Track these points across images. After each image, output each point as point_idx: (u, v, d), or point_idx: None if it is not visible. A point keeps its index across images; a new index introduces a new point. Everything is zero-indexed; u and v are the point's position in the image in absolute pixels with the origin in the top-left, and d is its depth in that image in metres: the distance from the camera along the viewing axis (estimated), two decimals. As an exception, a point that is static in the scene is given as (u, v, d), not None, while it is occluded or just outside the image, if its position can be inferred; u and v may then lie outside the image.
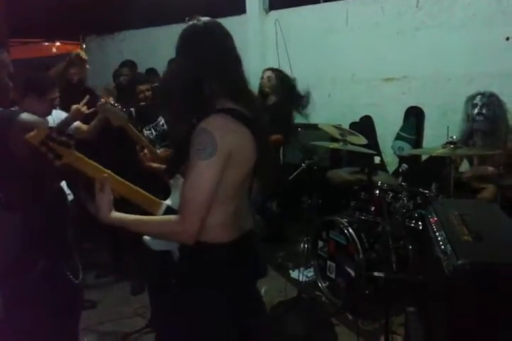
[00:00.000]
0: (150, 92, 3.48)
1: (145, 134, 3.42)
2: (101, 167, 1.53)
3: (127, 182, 1.56)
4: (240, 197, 1.57)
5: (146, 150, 2.28)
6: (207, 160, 1.38)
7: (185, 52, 1.52)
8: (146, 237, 1.76)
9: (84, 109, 2.87)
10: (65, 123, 2.94)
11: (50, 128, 1.50)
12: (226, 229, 1.51)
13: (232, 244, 1.53)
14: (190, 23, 1.54)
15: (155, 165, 2.25)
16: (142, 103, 3.46)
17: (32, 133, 1.43)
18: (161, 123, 3.45)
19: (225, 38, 1.55)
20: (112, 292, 3.62)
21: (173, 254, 1.67)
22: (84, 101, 2.93)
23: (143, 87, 3.48)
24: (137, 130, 3.44)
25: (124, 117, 2.43)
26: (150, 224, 1.49)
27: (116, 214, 1.50)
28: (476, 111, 3.14)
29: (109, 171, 1.54)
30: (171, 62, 4.84)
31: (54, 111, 3.04)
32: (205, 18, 1.55)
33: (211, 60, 1.49)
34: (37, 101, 2.70)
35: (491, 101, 3.10)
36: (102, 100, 2.44)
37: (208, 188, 1.40)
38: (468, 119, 3.21)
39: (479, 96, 3.13)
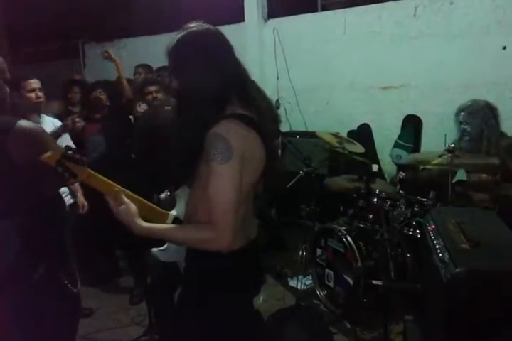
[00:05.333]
0: (159, 94, 3.47)
1: None
2: (112, 183, 1.54)
3: (136, 195, 1.57)
4: (248, 202, 1.57)
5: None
6: (226, 164, 1.38)
7: (197, 58, 1.49)
8: (154, 249, 1.76)
9: (78, 121, 2.91)
10: (57, 134, 2.97)
11: (65, 147, 1.50)
12: (235, 236, 1.48)
13: (239, 252, 1.51)
14: (195, 28, 1.52)
15: None
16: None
17: (48, 154, 1.44)
18: None
19: (228, 41, 1.55)
20: (110, 300, 3.60)
21: (180, 265, 1.67)
22: (77, 119, 2.97)
23: (152, 88, 3.48)
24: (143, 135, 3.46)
25: None
26: (185, 231, 1.48)
27: (146, 224, 1.49)
28: (461, 128, 3.15)
29: (120, 186, 1.54)
30: (158, 70, 4.88)
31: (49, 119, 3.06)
32: (204, 24, 1.55)
33: (225, 67, 1.49)
34: (18, 97, 2.73)
35: (476, 117, 3.08)
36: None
37: (233, 190, 1.39)
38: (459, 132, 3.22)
39: (462, 113, 3.13)
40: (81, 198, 3.09)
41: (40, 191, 1.82)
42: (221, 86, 1.48)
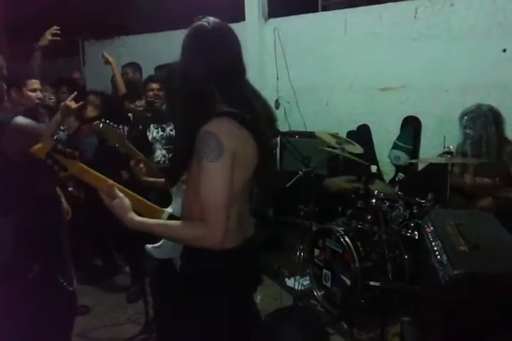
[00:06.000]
0: (160, 92, 3.48)
1: (151, 132, 3.44)
2: (104, 177, 1.53)
3: (129, 191, 1.56)
4: (243, 201, 1.56)
5: (141, 165, 2.26)
6: (217, 161, 1.39)
7: (194, 54, 1.50)
8: (148, 245, 1.75)
9: (72, 104, 2.88)
10: (56, 123, 2.93)
11: (55, 140, 1.50)
12: (230, 235, 1.48)
13: (235, 251, 1.51)
14: (201, 22, 1.53)
15: (151, 179, 2.23)
16: (156, 101, 3.46)
17: (38, 146, 1.43)
18: (169, 128, 3.41)
19: (234, 41, 1.55)
20: (107, 298, 3.60)
21: (175, 262, 1.66)
22: (72, 96, 2.94)
23: (155, 86, 3.48)
24: (143, 127, 3.45)
25: (122, 135, 2.42)
26: (177, 228, 1.48)
27: (139, 218, 1.49)
28: (464, 132, 3.16)
29: (112, 181, 1.54)
30: (157, 69, 4.88)
31: None
32: (216, 20, 1.55)
33: (220, 63, 1.49)
34: (18, 95, 2.72)
35: (477, 122, 3.09)
36: (97, 122, 2.45)
37: (224, 187, 1.40)
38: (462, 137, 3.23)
39: (465, 118, 3.15)
40: (64, 204, 3.05)
41: (36, 188, 1.81)
42: (215, 84, 1.48)
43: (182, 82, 1.50)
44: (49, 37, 3.50)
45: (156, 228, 1.49)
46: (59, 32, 3.52)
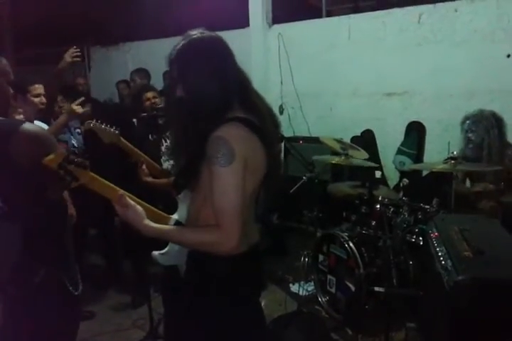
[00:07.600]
0: (157, 99, 3.46)
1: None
2: (114, 186, 1.53)
3: (137, 199, 1.57)
4: (250, 207, 1.56)
5: (144, 166, 2.26)
6: (228, 167, 1.39)
7: (200, 64, 1.50)
8: (154, 252, 1.75)
9: (78, 108, 2.88)
10: (60, 125, 2.94)
11: (67, 150, 1.51)
12: (242, 239, 1.46)
13: (241, 257, 1.50)
14: (198, 35, 1.53)
15: (150, 179, 2.23)
16: (154, 112, 3.45)
17: (50, 157, 1.44)
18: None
19: (230, 50, 1.56)
20: (111, 303, 3.60)
21: (180, 268, 1.67)
22: (79, 101, 2.94)
23: (150, 95, 3.47)
24: (145, 138, 3.43)
25: (115, 133, 2.42)
26: (193, 233, 1.48)
27: (154, 225, 1.50)
28: (466, 136, 3.17)
29: (122, 190, 1.54)
30: (165, 74, 4.89)
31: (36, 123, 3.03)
32: (209, 32, 1.56)
33: (228, 73, 1.50)
34: (23, 101, 2.74)
35: (479, 125, 3.09)
36: (88, 121, 2.45)
37: (237, 193, 1.40)
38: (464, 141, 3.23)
39: (468, 122, 3.15)
40: (71, 208, 3.04)
41: (43, 194, 1.82)
42: (225, 92, 1.49)
43: (202, 97, 1.49)
44: (69, 59, 3.25)
45: (172, 234, 1.50)
46: (79, 53, 3.30)
